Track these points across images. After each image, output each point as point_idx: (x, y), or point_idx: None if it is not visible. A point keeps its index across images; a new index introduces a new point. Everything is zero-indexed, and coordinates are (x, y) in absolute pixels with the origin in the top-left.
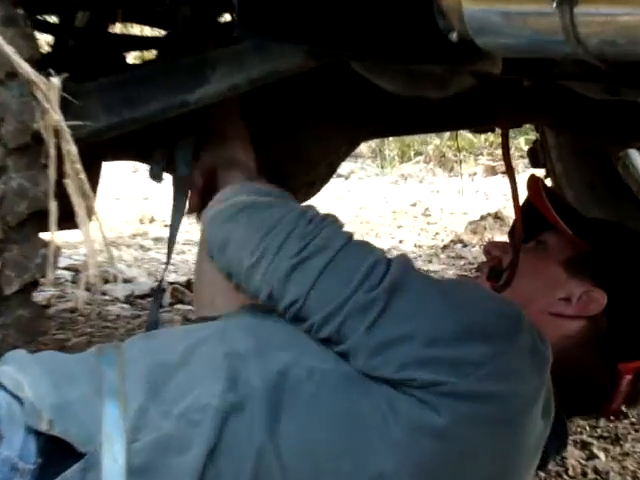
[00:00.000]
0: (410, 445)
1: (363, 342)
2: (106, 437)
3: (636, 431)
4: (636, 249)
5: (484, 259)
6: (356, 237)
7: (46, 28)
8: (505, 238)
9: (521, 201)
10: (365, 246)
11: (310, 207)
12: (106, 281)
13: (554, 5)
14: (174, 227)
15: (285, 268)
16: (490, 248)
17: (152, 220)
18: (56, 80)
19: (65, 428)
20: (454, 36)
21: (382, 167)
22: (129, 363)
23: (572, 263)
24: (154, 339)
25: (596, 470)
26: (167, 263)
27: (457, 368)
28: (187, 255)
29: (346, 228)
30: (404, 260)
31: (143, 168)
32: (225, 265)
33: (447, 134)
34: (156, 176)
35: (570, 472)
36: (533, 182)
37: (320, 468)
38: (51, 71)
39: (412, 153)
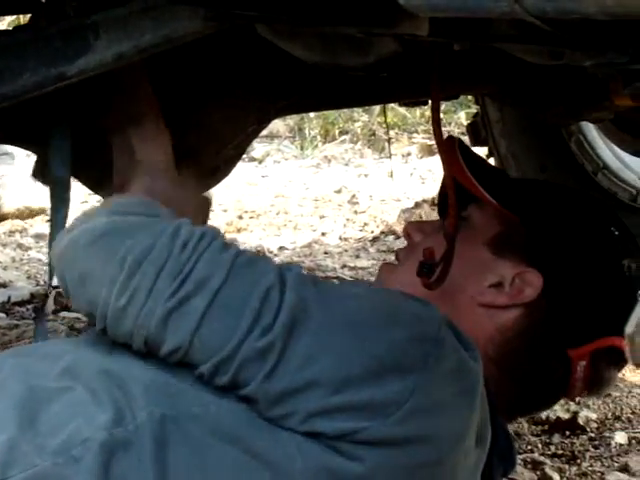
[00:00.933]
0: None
1: (261, 391)
2: None
3: (595, 448)
4: (573, 215)
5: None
6: (232, 242)
7: None
8: None
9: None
10: (253, 265)
11: (183, 224)
12: None
13: None
14: (55, 228)
15: (161, 312)
16: (411, 230)
17: (33, 214)
18: None
19: None
20: None
21: (302, 148)
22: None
23: (499, 242)
24: (28, 357)
25: None
26: (50, 264)
27: (371, 412)
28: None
29: (227, 239)
30: (297, 275)
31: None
32: (85, 306)
33: (376, 109)
34: (37, 175)
35: None
36: (448, 145)
37: None
38: None
39: (336, 132)
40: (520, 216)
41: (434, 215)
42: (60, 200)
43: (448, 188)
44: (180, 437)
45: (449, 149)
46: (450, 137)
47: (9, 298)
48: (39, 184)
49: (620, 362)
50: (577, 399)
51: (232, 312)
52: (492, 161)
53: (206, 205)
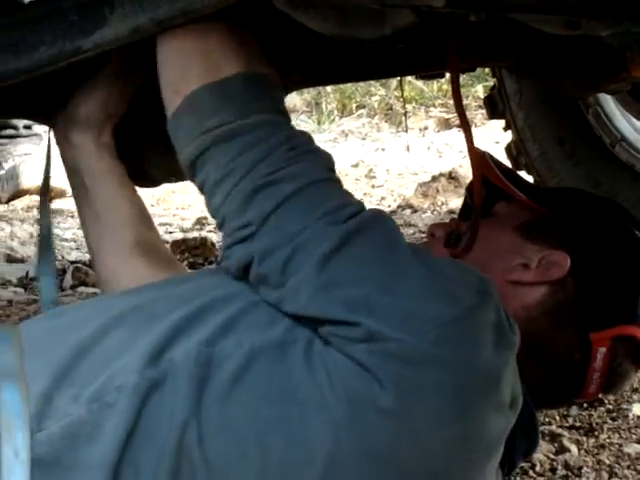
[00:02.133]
0: (352, 422)
1: (311, 276)
2: (5, 426)
3: (613, 420)
4: (593, 209)
5: (447, 223)
6: None
7: None
8: (461, 202)
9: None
10: (343, 189)
11: (303, 133)
12: None
13: None
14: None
15: (248, 190)
16: (434, 230)
17: (53, 193)
18: None
19: None
20: None
21: (319, 123)
22: (29, 342)
23: (527, 227)
24: (60, 317)
25: (567, 465)
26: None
27: (410, 323)
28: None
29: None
30: (380, 212)
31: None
32: (199, 183)
33: (394, 83)
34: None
35: (537, 468)
36: (480, 155)
37: (245, 445)
38: None
39: (354, 106)
40: (547, 207)
41: (451, 189)
42: None
43: (473, 177)
44: (214, 372)
45: (480, 158)
46: (478, 149)
47: (27, 273)
48: (61, 165)
49: (638, 357)
50: None
51: (310, 205)
52: (509, 134)
53: None
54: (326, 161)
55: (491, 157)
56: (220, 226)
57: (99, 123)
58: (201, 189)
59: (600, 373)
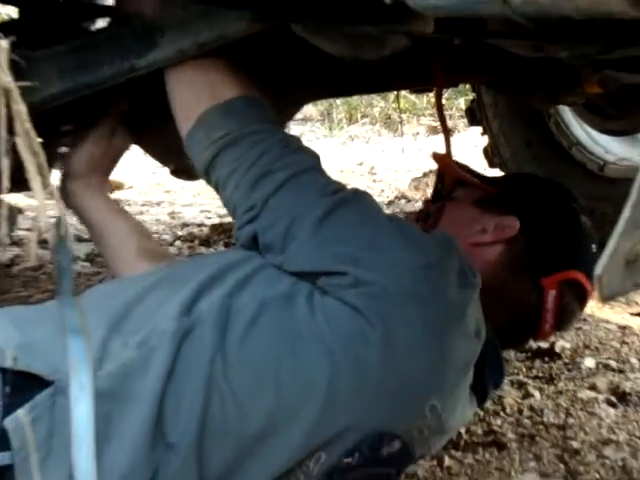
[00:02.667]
0: (346, 354)
1: (307, 239)
2: (72, 367)
3: (569, 370)
4: (538, 183)
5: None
6: None
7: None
8: None
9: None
10: (328, 176)
11: (293, 136)
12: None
13: None
14: None
15: (252, 178)
16: (408, 215)
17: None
18: (4, 42)
19: (28, 363)
20: None
21: (330, 129)
22: (89, 305)
23: (482, 201)
24: (111, 285)
25: (532, 408)
26: None
27: (390, 269)
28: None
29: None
30: (360, 190)
31: None
32: (214, 182)
33: (391, 97)
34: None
35: (507, 410)
36: (439, 156)
37: (261, 377)
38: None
39: (359, 115)
40: (497, 186)
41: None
42: None
43: (438, 173)
44: (234, 317)
45: (441, 158)
46: (435, 153)
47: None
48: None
49: (582, 296)
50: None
51: (302, 188)
52: (486, 138)
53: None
54: (313, 155)
55: (453, 161)
56: (232, 213)
57: (86, 175)
58: (216, 189)
59: (552, 313)
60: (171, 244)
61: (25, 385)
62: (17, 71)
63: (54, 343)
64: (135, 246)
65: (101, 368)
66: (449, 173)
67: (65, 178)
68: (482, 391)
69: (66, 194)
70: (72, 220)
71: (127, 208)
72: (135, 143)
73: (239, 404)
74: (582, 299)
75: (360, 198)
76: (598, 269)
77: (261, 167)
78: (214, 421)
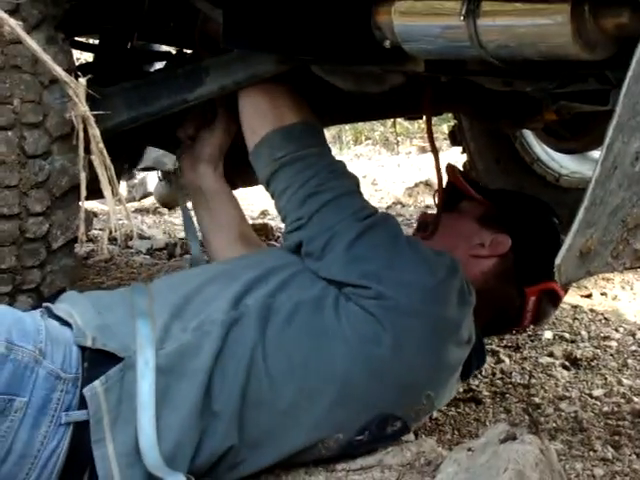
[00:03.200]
0: (362, 350)
1: (340, 255)
2: (139, 346)
3: (532, 341)
4: (526, 205)
5: (417, 217)
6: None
7: (85, 47)
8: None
9: (442, 171)
10: (364, 199)
11: (339, 161)
12: (131, 238)
13: (462, 18)
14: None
15: (303, 195)
16: (422, 217)
17: None
18: (82, 80)
19: (105, 342)
20: (387, 44)
21: (340, 149)
22: (155, 293)
23: (482, 218)
24: (174, 277)
25: (502, 371)
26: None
27: (404, 289)
28: (194, 218)
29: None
30: (388, 214)
31: None
32: (270, 192)
33: (389, 122)
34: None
35: (483, 373)
36: (451, 168)
37: (293, 363)
38: (79, 74)
39: (363, 138)
40: (496, 205)
41: (427, 192)
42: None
43: (439, 187)
44: (274, 314)
45: (451, 170)
46: (450, 164)
47: (152, 246)
48: None
49: (556, 301)
50: None
51: (342, 208)
52: (464, 156)
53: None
54: (354, 179)
55: (459, 170)
56: (283, 219)
57: (216, 159)
58: (272, 196)
59: (531, 313)
60: None
61: (100, 361)
62: (93, 103)
63: (125, 325)
64: (238, 229)
65: (162, 347)
66: (458, 186)
67: (196, 162)
68: (467, 373)
69: (196, 176)
70: (135, 221)
71: (178, 212)
72: None
73: (272, 383)
74: (556, 303)
75: (387, 223)
76: (557, 259)
77: (310, 188)
78: (251, 395)
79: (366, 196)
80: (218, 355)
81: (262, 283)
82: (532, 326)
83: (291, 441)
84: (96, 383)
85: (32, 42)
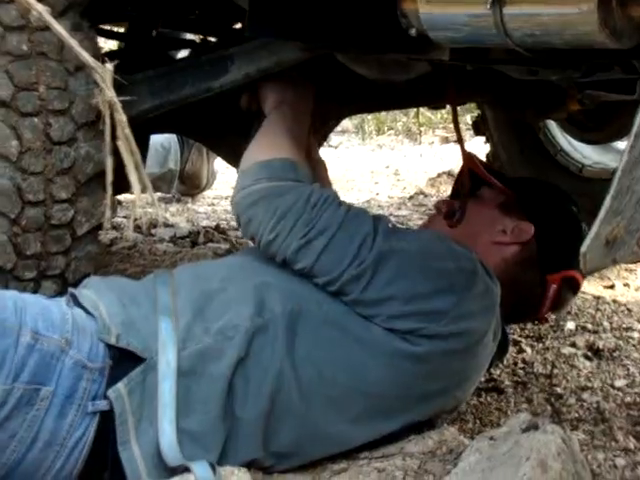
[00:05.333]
0: (392, 363)
1: (359, 299)
2: (161, 346)
3: (554, 331)
4: (547, 193)
5: (435, 204)
6: (344, 201)
7: (110, 35)
8: None
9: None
10: (357, 218)
11: (314, 189)
12: (155, 225)
13: (488, 6)
14: None
15: (296, 246)
16: (439, 204)
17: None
18: (109, 65)
19: (128, 341)
20: (413, 32)
21: (363, 139)
22: (179, 286)
23: (504, 205)
24: (198, 268)
25: (524, 361)
26: None
27: (430, 317)
28: (216, 206)
29: (341, 199)
30: (385, 225)
31: None
32: (250, 236)
33: (412, 112)
34: None
35: (505, 363)
36: (469, 156)
37: (322, 374)
38: (106, 59)
39: (386, 128)
40: (517, 192)
41: (449, 182)
42: None
43: (464, 173)
44: (302, 323)
45: (470, 158)
46: (469, 152)
47: (175, 234)
48: None
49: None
50: None
51: (341, 250)
52: (488, 146)
53: (324, 165)
54: (334, 197)
55: (477, 157)
56: (282, 262)
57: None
58: (239, 217)
59: (551, 301)
60: (236, 229)
61: (124, 360)
62: (119, 89)
63: (148, 322)
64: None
65: (184, 348)
66: (478, 173)
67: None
68: (491, 362)
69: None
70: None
71: (201, 201)
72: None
73: (302, 393)
74: (576, 290)
75: (390, 245)
76: (583, 247)
77: (299, 237)
78: (281, 405)
79: (388, 186)
80: (241, 362)
81: (290, 285)
82: (552, 314)
83: (318, 451)
84: (119, 385)
85: (60, 28)
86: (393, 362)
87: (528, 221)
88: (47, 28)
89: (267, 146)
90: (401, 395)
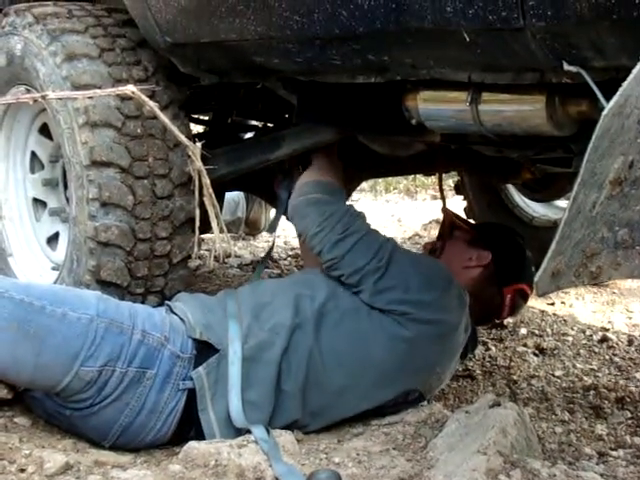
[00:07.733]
0: (390, 346)
1: (372, 288)
2: (230, 341)
3: (511, 335)
4: (501, 230)
5: (424, 245)
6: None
7: (199, 121)
8: None
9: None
10: (378, 231)
11: (352, 205)
12: (228, 256)
13: (467, 104)
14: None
15: (334, 239)
16: (426, 245)
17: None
18: (198, 144)
19: (208, 337)
20: (414, 121)
21: (375, 196)
22: (242, 298)
23: (470, 241)
24: (256, 286)
25: (490, 356)
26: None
27: (419, 305)
28: (266, 244)
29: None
30: (395, 241)
31: None
32: (300, 230)
33: (411, 177)
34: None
35: (476, 357)
36: (447, 211)
37: (342, 359)
38: (196, 139)
39: (392, 188)
40: (479, 231)
41: (437, 227)
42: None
43: (445, 222)
44: (325, 321)
45: (447, 212)
46: (446, 208)
47: (241, 262)
48: None
49: (526, 297)
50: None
51: (366, 249)
52: (465, 202)
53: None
54: (364, 217)
55: (452, 211)
56: (319, 254)
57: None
58: (301, 234)
59: (508, 307)
60: (285, 259)
61: (204, 350)
62: (204, 160)
63: (221, 324)
64: None
65: (247, 342)
66: (452, 222)
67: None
68: (464, 355)
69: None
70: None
71: (260, 239)
72: None
73: (326, 371)
74: (526, 299)
75: (399, 254)
76: (535, 278)
77: (338, 232)
78: (312, 379)
79: (392, 230)
80: (285, 350)
81: (314, 296)
82: (510, 319)
83: (341, 412)
84: (200, 369)
85: (164, 117)
86: (391, 344)
87: (487, 250)
88: (155, 117)
89: (316, 175)
90: (397, 369)
